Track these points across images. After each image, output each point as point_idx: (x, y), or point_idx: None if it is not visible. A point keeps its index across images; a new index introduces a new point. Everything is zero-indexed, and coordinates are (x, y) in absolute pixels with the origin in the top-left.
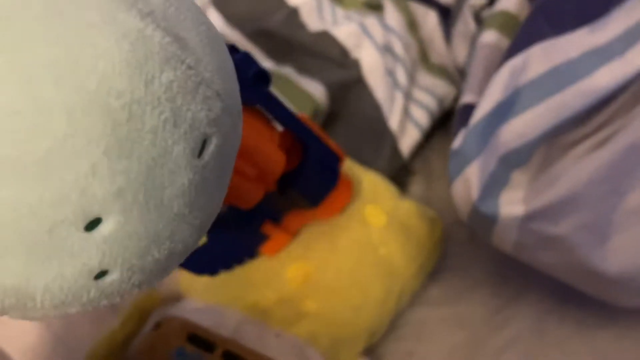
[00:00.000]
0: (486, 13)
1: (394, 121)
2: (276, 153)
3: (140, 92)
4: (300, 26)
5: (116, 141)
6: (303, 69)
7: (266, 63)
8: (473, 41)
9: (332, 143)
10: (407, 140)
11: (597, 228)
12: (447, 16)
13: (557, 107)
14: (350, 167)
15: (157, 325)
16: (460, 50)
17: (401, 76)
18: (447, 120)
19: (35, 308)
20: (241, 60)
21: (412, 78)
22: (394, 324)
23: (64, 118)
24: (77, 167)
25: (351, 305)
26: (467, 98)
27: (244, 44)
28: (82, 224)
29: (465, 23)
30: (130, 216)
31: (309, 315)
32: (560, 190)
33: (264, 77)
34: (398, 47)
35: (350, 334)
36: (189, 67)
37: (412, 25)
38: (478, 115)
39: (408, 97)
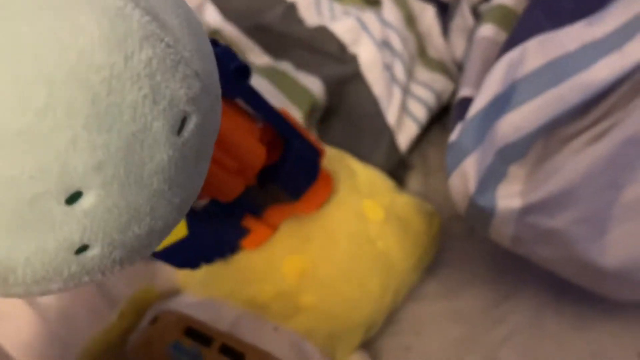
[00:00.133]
0: (484, 7)
1: (391, 116)
2: (257, 147)
3: (120, 67)
4: (298, 21)
5: (96, 115)
6: (301, 64)
7: (264, 58)
8: (471, 35)
9: (313, 137)
10: (405, 135)
11: (595, 222)
12: (445, 11)
13: (554, 101)
14: (347, 161)
15: (154, 320)
16: (458, 45)
17: (399, 71)
18: (445, 115)
19: (17, 283)
20: (222, 54)
21: (410, 73)
22: (391, 318)
23: (44, 91)
24: (57, 140)
25: (348, 299)
26: (464, 92)
27: (242, 39)
28: (63, 197)
29: (463, 17)
30: (110, 190)
31: (306, 309)
32: (557, 184)
33: (244, 71)
34: (396, 42)
35: (347, 327)
36: (168, 46)
37: (410, 20)
38: (475, 108)
39: (406, 92)
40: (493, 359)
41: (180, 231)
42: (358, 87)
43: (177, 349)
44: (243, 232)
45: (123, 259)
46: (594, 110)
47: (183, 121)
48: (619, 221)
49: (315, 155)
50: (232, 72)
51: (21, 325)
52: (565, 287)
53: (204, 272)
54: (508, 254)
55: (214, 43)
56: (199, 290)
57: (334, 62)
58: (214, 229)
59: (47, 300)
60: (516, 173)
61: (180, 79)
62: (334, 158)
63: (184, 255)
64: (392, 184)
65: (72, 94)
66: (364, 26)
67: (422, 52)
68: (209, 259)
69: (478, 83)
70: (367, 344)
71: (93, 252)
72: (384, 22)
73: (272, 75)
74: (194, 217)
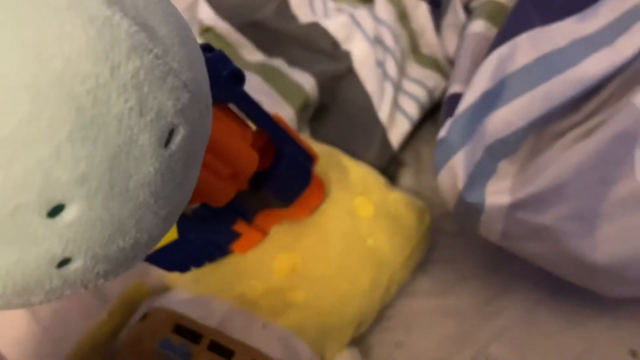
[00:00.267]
0: (475, 3)
1: (383, 113)
2: (249, 152)
3: (106, 77)
4: (291, 18)
5: (80, 126)
6: (293, 61)
7: (257, 55)
8: (462, 31)
9: (306, 143)
10: (397, 132)
11: (585, 218)
12: (437, 7)
13: (544, 96)
14: (339, 158)
15: (144, 317)
16: (450, 41)
17: (391, 68)
18: (437, 112)
19: None
20: (215, 59)
21: (402, 69)
22: (383, 315)
23: (27, 100)
24: (40, 150)
25: (338, 296)
26: (454, 88)
27: (235, 36)
28: (45, 210)
29: (455, 14)
30: (94, 203)
31: (296, 306)
32: (546, 180)
33: (238, 76)
34: (388, 39)
35: (337, 324)
36: (157, 57)
37: (403, 16)
38: (464, 104)
39: (398, 88)
40: (485, 355)
41: (170, 235)
42: (351, 84)
43: (166, 346)
44: (233, 236)
45: (107, 272)
46: (584, 106)
47: (171, 133)
48: (608, 217)
49: (308, 161)
50: (226, 78)
51: (12, 322)
52: (558, 285)
53: (194, 269)
54: (500, 251)
55: (208, 48)
56: (189, 287)
57: (326, 58)
58: (204, 232)
59: None
60: (506, 169)
61: (169, 90)
62: (325, 155)
63: (174, 258)
64: (384, 180)
65: (56, 104)
66: (356, 23)
67: (414, 49)
68: (198, 262)
69: (468, 79)
70: (358, 340)
71: (76, 266)
72: (377, 19)
73: (265, 71)
74: (184, 221)
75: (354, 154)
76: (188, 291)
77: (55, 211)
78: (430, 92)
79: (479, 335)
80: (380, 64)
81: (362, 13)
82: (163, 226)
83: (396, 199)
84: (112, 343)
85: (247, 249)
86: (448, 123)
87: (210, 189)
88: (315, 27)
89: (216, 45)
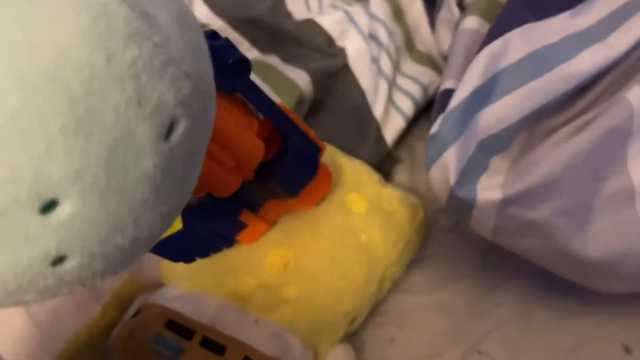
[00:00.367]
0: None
1: (378, 109)
2: (255, 142)
3: (101, 67)
4: (286, 15)
5: (74, 119)
6: (288, 58)
7: (251, 52)
8: (456, 28)
9: (313, 133)
10: (392, 128)
11: (577, 213)
12: (432, 4)
13: (537, 92)
14: (333, 154)
15: (137, 313)
16: (444, 38)
17: (386, 64)
18: (432, 109)
19: None
20: (221, 48)
21: (397, 66)
22: (376, 311)
23: (16, 92)
24: (30, 146)
25: (331, 292)
26: (447, 84)
27: (229, 33)
28: (37, 207)
29: (449, 10)
30: (89, 200)
31: (289, 301)
32: (538, 175)
33: (244, 64)
34: (383, 35)
35: (330, 320)
36: (156, 45)
37: (398, 13)
38: (456, 100)
39: (392, 85)
40: (477, 351)
41: (175, 224)
42: (346, 80)
43: (158, 342)
44: (239, 227)
45: (104, 271)
46: (577, 102)
47: (171, 126)
48: (601, 212)
49: (315, 152)
50: (231, 66)
51: (6, 320)
52: (551, 280)
53: (187, 265)
54: (494, 248)
55: (214, 36)
56: (182, 283)
57: (321, 55)
58: (209, 223)
59: None
60: (498, 165)
61: (169, 80)
62: None
63: (179, 248)
64: (377, 176)
65: (47, 96)
66: (351, 19)
67: (409, 45)
68: (204, 253)
69: (461, 75)
70: (351, 336)
71: (71, 264)
72: (372, 15)
73: (259, 68)
74: (189, 211)
75: (349, 150)
76: (181, 287)
77: (49, 208)
78: (424, 88)
79: (471, 331)
80: (375, 61)
81: (356, 10)
82: (163, 223)
83: (390, 195)
84: (106, 338)
85: (253, 240)
86: (440, 119)
87: (215, 179)
88: (310, 24)
89: None
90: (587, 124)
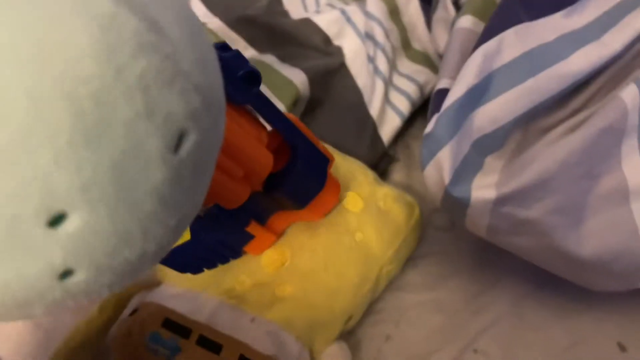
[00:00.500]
0: None
1: (374, 108)
2: (264, 153)
3: (110, 79)
4: (283, 14)
5: (82, 131)
6: (285, 57)
7: (248, 51)
8: (451, 27)
9: (322, 145)
10: (388, 127)
11: (571, 212)
12: (429, 3)
13: (531, 91)
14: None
15: (134, 311)
16: (440, 37)
17: (382, 63)
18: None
19: None
20: (231, 59)
21: (393, 65)
22: (372, 309)
23: (24, 104)
24: (38, 158)
25: (327, 290)
26: (442, 83)
27: (226, 32)
28: (45, 220)
29: (445, 9)
30: (97, 213)
31: (285, 300)
32: (531, 174)
33: (254, 76)
34: (379, 34)
35: (325, 318)
36: (166, 57)
37: (394, 12)
38: (450, 99)
39: (388, 84)
40: (473, 348)
41: (183, 236)
42: (342, 79)
43: (155, 341)
44: (247, 238)
45: (112, 284)
46: (571, 101)
47: (180, 138)
48: (594, 211)
49: (323, 163)
50: (241, 78)
51: None
52: (546, 278)
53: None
54: (489, 246)
55: (224, 48)
56: (179, 282)
57: (318, 54)
58: (217, 234)
59: None
60: (492, 164)
61: (178, 92)
62: None
63: (186, 259)
64: (373, 175)
65: (56, 108)
66: (348, 18)
67: (406, 44)
68: (211, 264)
69: (456, 74)
70: (347, 334)
71: (78, 278)
72: (368, 15)
73: (256, 67)
74: (197, 222)
75: (345, 149)
76: (178, 286)
77: (56, 221)
78: (421, 87)
79: (467, 329)
80: (371, 60)
81: (353, 9)
82: (172, 236)
83: (385, 194)
84: (103, 337)
85: (261, 251)
86: (434, 118)
87: (223, 190)
88: (307, 23)
89: None
90: (582, 123)
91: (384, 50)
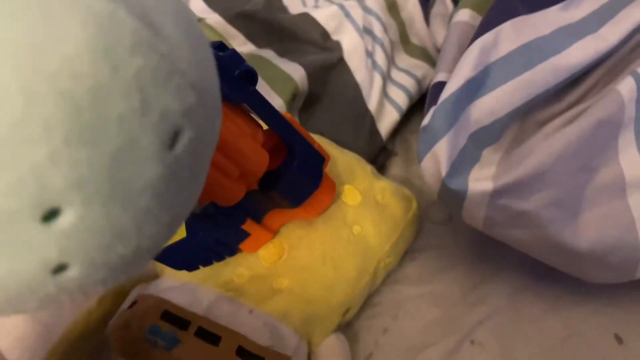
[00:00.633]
0: None
1: (372, 102)
2: (259, 152)
3: (106, 77)
4: (281, 9)
5: (78, 128)
6: (284, 52)
7: (247, 46)
8: (449, 21)
9: (317, 144)
10: (386, 121)
11: (568, 204)
12: None
13: (528, 84)
14: (327, 147)
15: (132, 304)
16: (438, 31)
17: (380, 58)
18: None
19: None
20: (228, 59)
21: (391, 59)
22: (370, 302)
23: (20, 101)
24: (33, 154)
25: (324, 283)
26: (440, 76)
27: (225, 28)
28: (39, 215)
29: (443, 3)
30: (92, 209)
31: (282, 292)
32: (528, 167)
33: (250, 75)
34: (377, 29)
35: (323, 310)
36: (162, 56)
37: (392, 6)
38: (447, 92)
39: (387, 78)
40: (470, 341)
41: (178, 233)
42: (341, 74)
43: (154, 333)
44: (243, 236)
45: (106, 279)
46: (569, 94)
47: (176, 135)
48: (591, 203)
49: (319, 162)
50: (237, 77)
51: None
52: (543, 271)
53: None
54: (486, 239)
55: (221, 47)
56: (178, 275)
57: (316, 49)
58: (213, 231)
59: None
60: (489, 157)
61: (174, 90)
62: None
63: (182, 257)
64: (371, 168)
65: (52, 105)
66: (346, 13)
67: (404, 39)
68: (207, 261)
69: (453, 68)
70: (345, 326)
71: (72, 273)
72: (366, 9)
73: (255, 62)
74: (193, 220)
75: (343, 143)
76: (176, 278)
77: (51, 216)
78: (419, 82)
79: (464, 321)
80: (370, 54)
81: (351, 3)
82: (167, 232)
83: (383, 187)
84: (102, 330)
85: (256, 248)
86: (431, 111)
87: (219, 188)
88: (306, 18)
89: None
90: (579, 116)
91: (382, 45)
